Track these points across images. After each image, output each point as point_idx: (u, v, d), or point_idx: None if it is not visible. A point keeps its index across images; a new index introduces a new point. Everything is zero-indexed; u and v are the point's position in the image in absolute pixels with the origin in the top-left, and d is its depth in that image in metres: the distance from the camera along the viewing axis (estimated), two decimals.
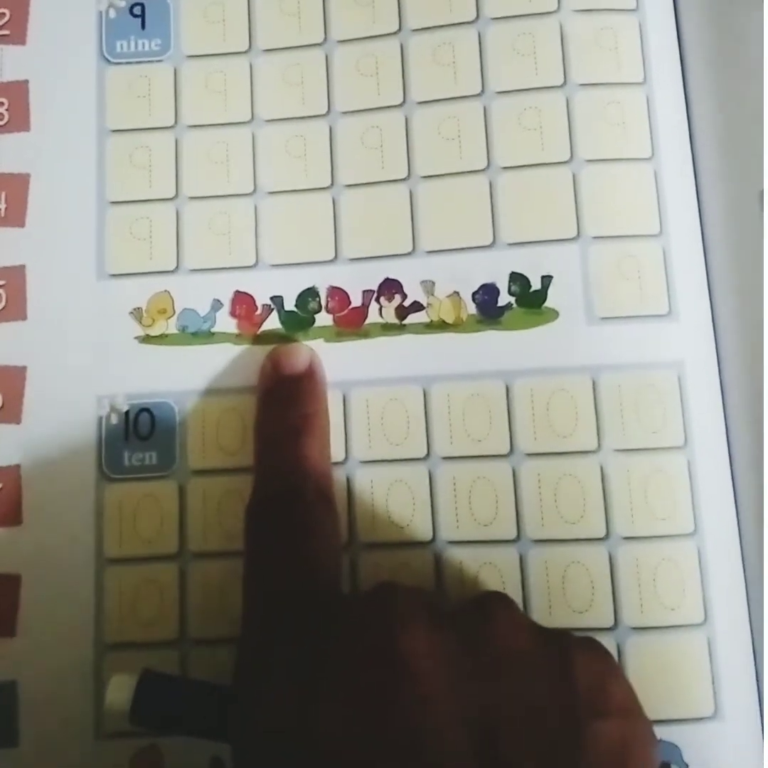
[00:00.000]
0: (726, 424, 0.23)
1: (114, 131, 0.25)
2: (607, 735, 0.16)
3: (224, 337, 0.24)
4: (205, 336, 0.24)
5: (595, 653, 0.18)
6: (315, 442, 0.22)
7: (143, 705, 0.19)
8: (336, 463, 0.23)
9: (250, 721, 0.18)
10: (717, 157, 0.25)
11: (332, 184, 0.25)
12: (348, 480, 0.23)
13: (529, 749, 0.16)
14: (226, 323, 0.24)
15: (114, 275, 0.25)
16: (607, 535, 0.23)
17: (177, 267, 0.25)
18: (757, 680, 0.22)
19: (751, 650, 0.22)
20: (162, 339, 0.24)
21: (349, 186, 0.25)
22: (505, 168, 0.25)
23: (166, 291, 0.24)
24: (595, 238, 0.24)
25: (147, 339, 0.24)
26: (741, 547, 0.23)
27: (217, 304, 0.24)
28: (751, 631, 0.22)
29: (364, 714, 0.16)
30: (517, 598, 0.22)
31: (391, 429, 0.24)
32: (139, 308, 0.24)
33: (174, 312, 0.24)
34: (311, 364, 0.23)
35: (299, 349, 0.23)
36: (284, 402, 0.22)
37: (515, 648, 0.18)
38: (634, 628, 0.22)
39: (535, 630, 0.18)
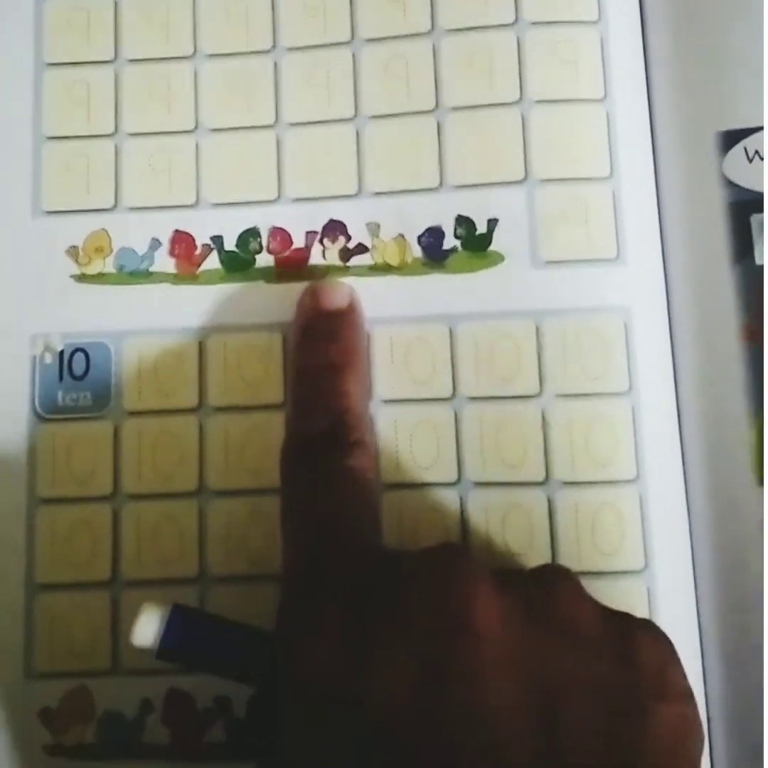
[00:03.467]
0: (674, 371, 0.24)
1: (51, 65, 0.25)
2: (669, 719, 0.17)
3: (162, 277, 0.24)
4: (143, 275, 0.24)
5: (658, 636, 0.18)
6: (355, 379, 0.22)
7: (172, 641, 0.19)
8: (275, 407, 0.24)
9: (296, 680, 0.18)
10: (672, 99, 0.25)
11: (276, 121, 0.25)
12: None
13: (591, 726, 0.16)
14: (164, 263, 0.24)
15: (50, 212, 0.25)
16: (547, 480, 0.23)
17: (115, 205, 0.25)
18: (699, 630, 0.22)
19: (694, 599, 0.23)
20: (98, 278, 0.24)
21: (294, 124, 0.25)
22: (453, 108, 0.25)
23: (103, 229, 0.24)
24: (542, 181, 0.24)
25: (83, 278, 0.24)
26: (686, 494, 0.23)
27: (155, 244, 0.24)
28: (695, 579, 0.23)
29: (426, 679, 0.16)
30: (455, 540, 0.23)
31: None
32: (75, 246, 0.24)
33: (111, 251, 0.24)
34: (351, 301, 0.23)
35: (340, 285, 0.23)
36: (324, 337, 0.22)
37: (579, 623, 0.18)
38: None
39: (597, 607, 0.18)
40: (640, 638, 0.18)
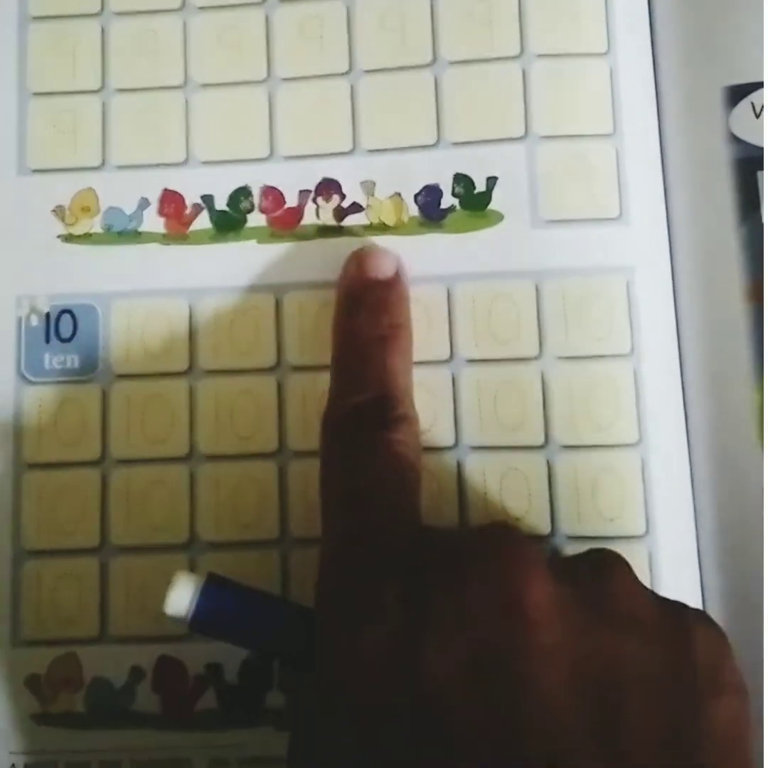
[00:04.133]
0: (678, 333, 0.23)
1: (36, 18, 0.25)
2: (724, 713, 0.17)
3: (151, 237, 0.24)
4: (132, 235, 0.24)
5: (714, 629, 0.18)
6: (402, 354, 0.21)
7: (206, 612, 0.18)
8: (267, 370, 0.23)
9: (344, 660, 0.17)
10: (678, 53, 0.24)
11: (268, 76, 0.24)
12: (279, 387, 0.23)
13: (647, 715, 0.16)
14: (153, 222, 0.24)
15: (36, 171, 0.24)
16: (546, 443, 0.22)
17: (102, 163, 0.24)
18: (702, 597, 0.22)
19: (697, 565, 0.22)
20: (86, 238, 0.24)
21: (286, 80, 0.24)
22: (451, 62, 0.24)
23: (90, 188, 0.24)
24: (543, 137, 0.24)
25: (70, 238, 0.24)
26: (689, 457, 0.23)
27: (144, 203, 0.24)
28: (698, 544, 0.22)
29: (478, 662, 0.16)
30: (452, 504, 0.22)
31: (326, 335, 0.23)
32: (61, 206, 0.24)
33: (99, 210, 0.24)
34: (398, 271, 0.22)
35: (386, 252, 0.23)
36: (372, 308, 0.22)
37: (634, 612, 0.17)
38: (571, 537, 0.22)
39: (652, 596, 0.18)
40: (696, 631, 0.17)
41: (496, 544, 0.18)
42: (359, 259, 0.22)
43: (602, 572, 0.18)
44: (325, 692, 0.17)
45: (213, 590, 0.19)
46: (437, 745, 0.16)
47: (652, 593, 0.18)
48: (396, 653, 0.16)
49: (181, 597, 0.18)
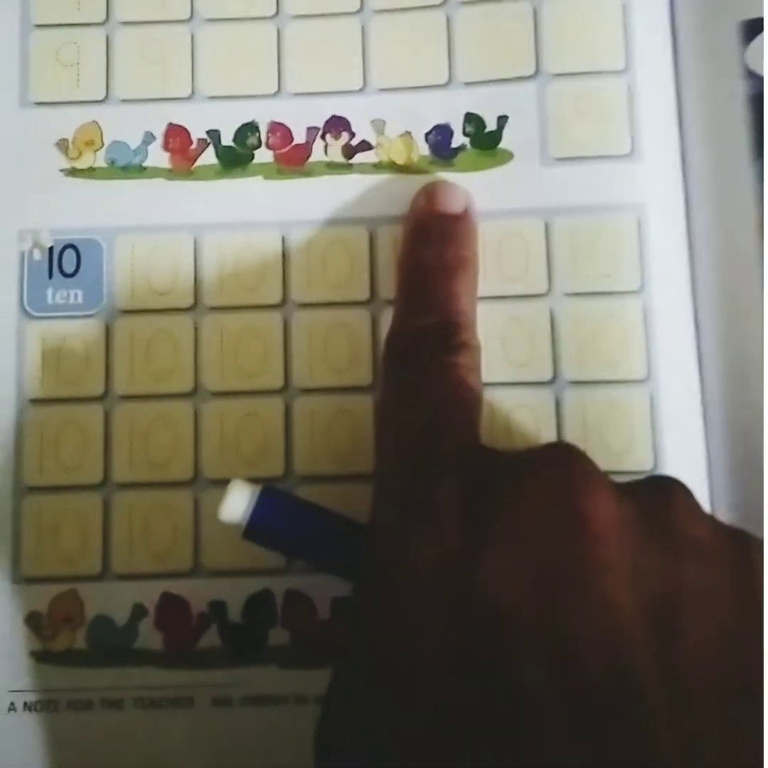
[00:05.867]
0: (691, 270, 0.23)
1: None
2: None
3: (156, 172, 0.24)
4: (136, 170, 0.24)
5: None
6: (468, 285, 0.22)
7: (262, 520, 0.18)
8: (273, 307, 0.23)
9: (401, 572, 0.17)
10: None
11: (277, 12, 0.24)
12: (285, 324, 0.23)
13: (710, 636, 0.16)
14: (158, 157, 0.24)
15: (39, 103, 0.24)
16: (555, 379, 0.22)
17: (106, 96, 0.24)
18: None
19: (709, 502, 0.22)
20: (89, 172, 0.24)
21: (297, 17, 0.24)
22: (463, 3, 0.24)
23: (94, 122, 0.24)
24: (554, 75, 0.24)
25: (73, 172, 0.24)
26: (702, 395, 0.23)
27: (149, 137, 0.24)
28: (709, 483, 0.22)
29: (541, 576, 0.16)
30: None
31: (334, 273, 0.23)
32: (65, 139, 0.24)
33: (103, 144, 0.24)
34: (468, 207, 0.22)
35: (457, 188, 0.23)
36: (440, 239, 0.22)
37: (694, 535, 0.17)
38: None
39: (714, 522, 0.18)
40: (756, 556, 0.17)
41: (559, 459, 0.18)
42: (429, 193, 0.23)
43: (665, 495, 0.18)
44: (372, 609, 0.17)
45: (270, 498, 0.18)
46: (497, 659, 0.15)
47: (713, 519, 0.18)
48: (454, 566, 0.16)
49: (237, 503, 0.18)
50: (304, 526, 0.19)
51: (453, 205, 0.22)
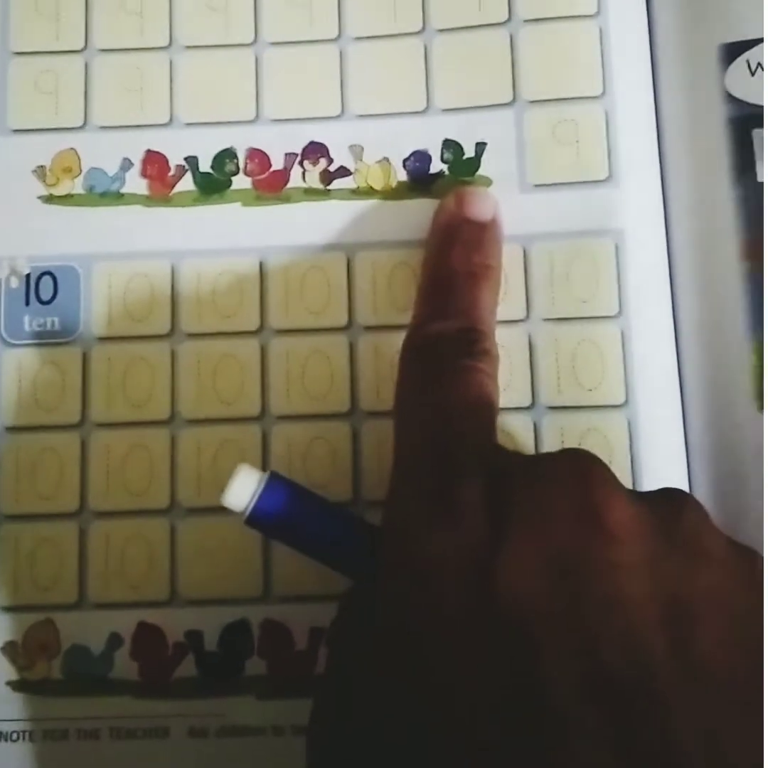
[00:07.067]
0: (672, 294, 0.23)
1: None
2: None
3: (134, 199, 0.24)
4: (114, 197, 0.24)
5: None
6: (491, 295, 0.22)
7: (267, 508, 0.18)
8: (250, 333, 0.23)
9: (407, 569, 0.17)
10: (673, 10, 0.24)
11: (255, 40, 0.24)
12: (262, 351, 0.23)
13: (723, 640, 0.16)
14: (136, 184, 0.24)
15: (16, 130, 0.24)
16: (533, 405, 0.22)
17: (84, 123, 0.24)
18: None
19: None
20: (67, 199, 0.24)
21: (274, 44, 0.24)
22: (440, 30, 0.24)
23: (72, 148, 0.24)
24: (531, 102, 0.24)
25: (51, 199, 0.24)
26: (684, 421, 0.23)
27: (127, 164, 0.24)
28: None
29: (561, 574, 0.16)
30: None
31: (312, 299, 0.23)
32: (42, 166, 0.24)
33: (80, 171, 0.24)
34: (496, 215, 0.23)
35: (487, 195, 0.23)
36: (467, 245, 0.22)
37: (707, 544, 0.17)
38: None
39: (725, 537, 0.18)
40: (759, 565, 0.17)
41: (578, 463, 0.18)
42: (459, 197, 0.23)
43: (676, 504, 0.18)
44: (386, 603, 0.17)
45: (276, 487, 0.18)
46: (519, 650, 0.15)
47: (724, 535, 0.18)
48: (469, 562, 0.16)
49: (242, 489, 0.17)
50: (310, 517, 0.18)
51: (483, 211, 0.22)
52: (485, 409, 0.20)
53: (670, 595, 0.16)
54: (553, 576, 0.16)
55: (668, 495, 0.19)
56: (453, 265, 0.22)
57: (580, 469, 0.18)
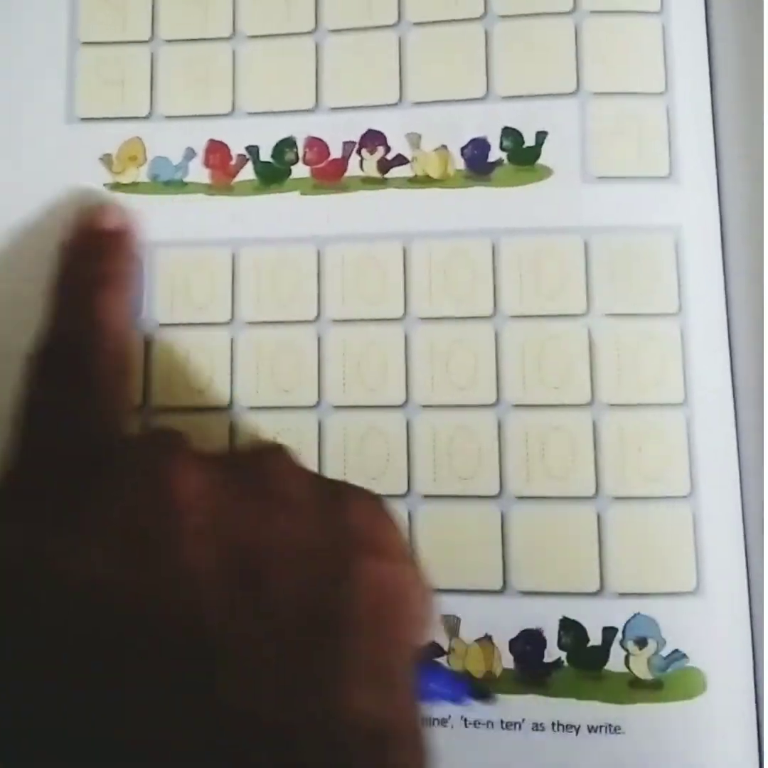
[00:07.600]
0: (726, 293, 0.23)
1: None
2: (372, 574, 0.17)
3: (197, 188, 0.24)
4: (177, 185, 0.24)
5: (370, 498, 0.19)
6: (115, 297, 0.22)
7: None
8: (307, 322, 0.23)
9: None
10: (733, 10, 0.24)
11: (316, 27, 0.24)
12: (319, 340, 0.23)
13: (294, 585, 0.17)
14: (199, 173, 0.24)
15: (84, 119, 0.25)
16: (592, 402, 0.22)
17: (150, 113, 0.24)
18: (746, 556, 0.22)
19: (741, 524, 0.22)
20: (132, 187, 0.24)
21: (334, 31, 0.24)
22: (502, 16, 0.24)
23: (137, 137, 0.24)
24: (595, 93, 0.24)
25: (117, 186, 0.24)
26: (736, 418, 0.23)
27: (190, 153, 0.24)
28: (742, 504, 0.22)
29: (129, 552, 0.17)
30: (493, 462, 0.22)
31: (367, 287, 0.23)
32: (109, 154, 0.24)
33: (145, 159, 0.24)
34: (121, 225, 0.23)
35: (112, 207, 0.23)
36: (87, 255, 0.23)
37: (287, 490, 0.18)
38: (616, 498, 0.22)
39: (311, 476, 0.19)
40: (349, 499, 0.18)
41: (148, 444, 0.19)
42: (82, 213, 0.23)
43: (259, 458, 0.19)
44: None
45: None
46: (81, 635, 0.16)
47: (312, 474, 0.19)
48: (47, 553, 0.17)
49: None
50: None
51: (103, 222, 0.23)
52: (92, 416, 0.20)
53: (239, 553, 0.17)
54: (121, 558, 0.16)
55: (255, 451, 0.20)
56: (72, 276, 0.22)
57: (149, 448, 0.19)
